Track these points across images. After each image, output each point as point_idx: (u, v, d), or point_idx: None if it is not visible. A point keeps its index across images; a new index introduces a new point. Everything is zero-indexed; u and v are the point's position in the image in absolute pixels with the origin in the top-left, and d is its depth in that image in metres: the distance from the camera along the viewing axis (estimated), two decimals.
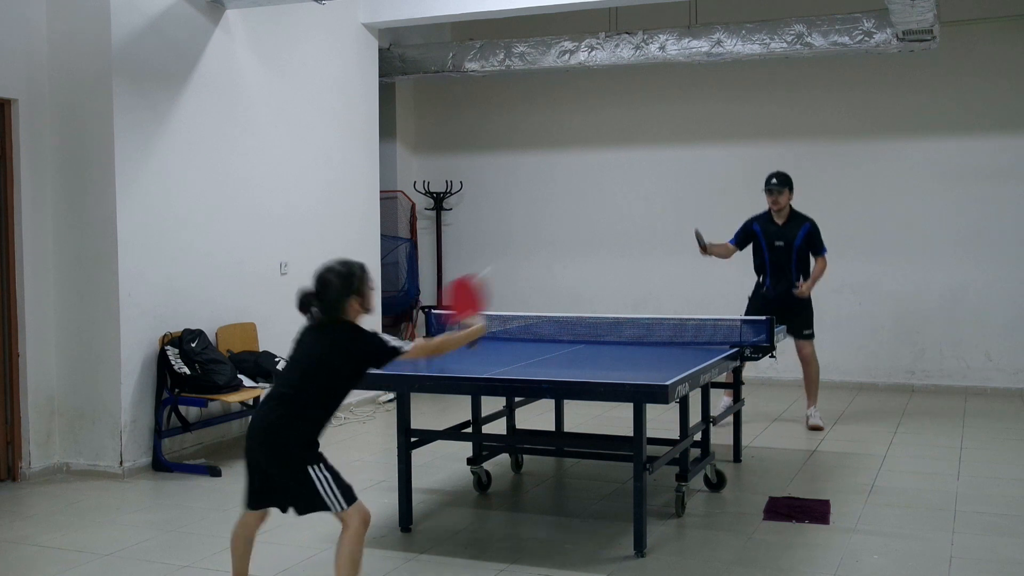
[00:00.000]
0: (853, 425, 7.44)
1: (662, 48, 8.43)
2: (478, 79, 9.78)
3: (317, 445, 3.65)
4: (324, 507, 3.58)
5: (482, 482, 5.69)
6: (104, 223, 6.11)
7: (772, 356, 5.63)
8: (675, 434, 5.22)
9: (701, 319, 5.95)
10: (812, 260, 7.31)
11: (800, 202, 9.55)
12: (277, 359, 6.80)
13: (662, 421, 5.74)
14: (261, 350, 6.87)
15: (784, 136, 9.46)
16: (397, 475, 4.98)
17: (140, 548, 4.74)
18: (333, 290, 3.60)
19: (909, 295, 9.03)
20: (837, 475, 6.00)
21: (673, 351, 5.55)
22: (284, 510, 3.71)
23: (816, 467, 6.19)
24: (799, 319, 7.24)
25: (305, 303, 3.63)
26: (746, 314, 7.15)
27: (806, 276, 7.26)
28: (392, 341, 3.67)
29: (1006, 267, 8.80)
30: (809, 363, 7.42)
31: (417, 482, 5.23)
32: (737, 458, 6.28)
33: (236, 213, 7.03)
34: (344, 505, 3.57)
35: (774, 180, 7.30)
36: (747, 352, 5.54)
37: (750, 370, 6.98)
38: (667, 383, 4.23)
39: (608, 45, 8.59)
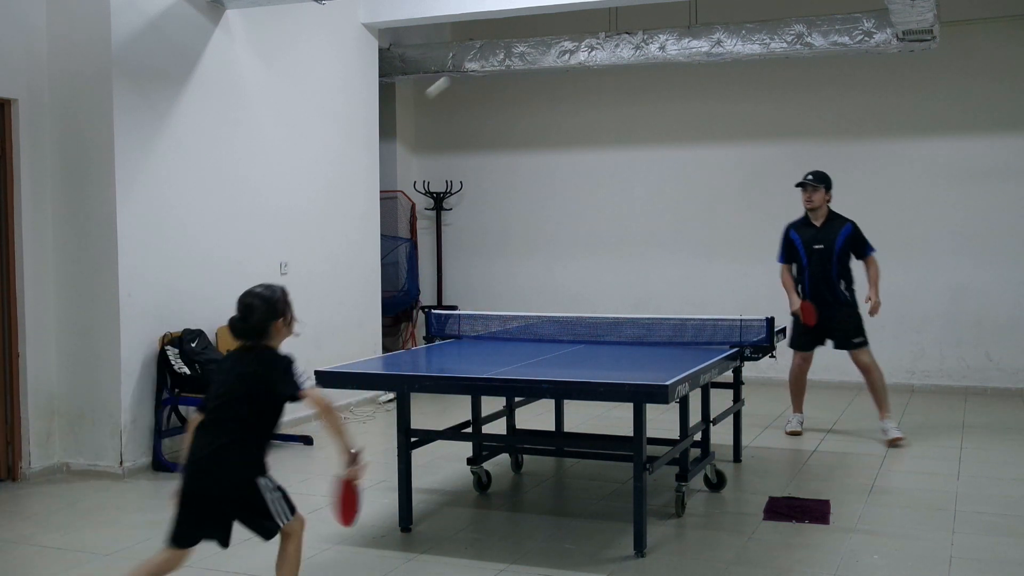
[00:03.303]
0: (853, 425, 7.43)
1: (662, 48, 8.43)
2: (478, 79, 9.78)
3: (263, 463, 3.59)
4: (275, 524, 3.54)
5: (482, 482, 5.69)
6: (104, 223, 6.11)
7: (772, 356, 5.63)
8: (675, 434, 5.22)
9: (701, 319, 5.95)
10: (862, 267, 6.89)
11: (800, 202, 9.55)
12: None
13: (662, 421, 5.74)
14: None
15: (784, 136, 9.46)
16: (397, 475, 4.98)
17: (140, 548, 4.74)
18: (258, 313, 3.59)
19: (909, 295, 9.03)
20: (837, 475, 6.00)
21: (673, 351, 5.55)
22: (223, 543, 3.56)
23: (816, 467, 6.19)
24: (845, 327, 6.84)
25: (236, 329, 3.62)
26: (793, 328, 6.95)
27: (848, 282, 6.86)
28: (300, 377, 3.56)
29: (1006, 267, 8.81)
30: (869, 371, 6.84)
31: (417, 482, 5.23)
32: (737, 458, 6.28)
33: (236, 213, 7.03)
34: (289, 517, 3.57)
35: (809, 176, 6.92)
36: (747, 352, 5.54)
37: (750, 370, 6.96)
38: (667, 383, 4.22)
39: (608, 45, 8.59)
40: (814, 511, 5.15)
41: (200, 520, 3.51)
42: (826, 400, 8.41)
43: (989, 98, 8.81)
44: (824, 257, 6.82)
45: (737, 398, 6.20)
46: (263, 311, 3.60)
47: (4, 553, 4.74)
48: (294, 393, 3.54)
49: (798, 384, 7.22)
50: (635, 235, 9.95)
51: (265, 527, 3.55)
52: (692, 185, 9.74)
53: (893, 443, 6.64)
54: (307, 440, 6.98)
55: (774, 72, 9.26)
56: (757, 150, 9.52)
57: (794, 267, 7.06)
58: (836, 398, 8.41)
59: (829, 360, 8.90)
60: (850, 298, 6.88)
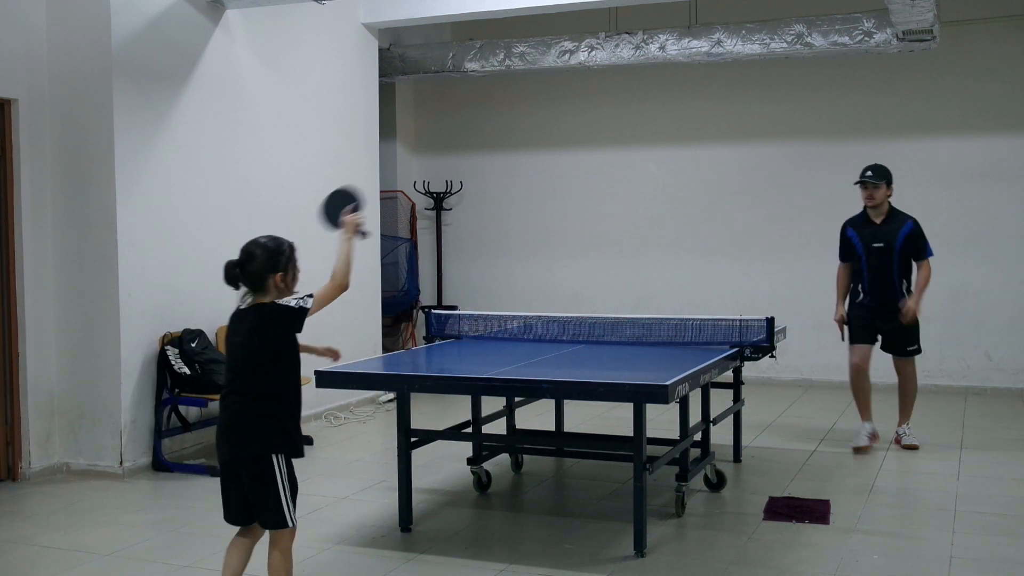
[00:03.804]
0: (853, 425, 7.42)
1: (662, 48, 8.43)
2: (478, 79, 9.78)
3: (289, 430, 3.56)
4: (282, 518, 3.49)
5: (482, 482, 5.69)
6: (104, 223, 6.11)
7: (772, 356, 5.62)
8: (675, 434, 5.23)
9: (701, 319, 5.94)
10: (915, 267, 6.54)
11: (800, 202, 9.58)
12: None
13: (662, 421, 5.74)
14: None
15: (784, 136, 9.46)
16: (397, 475, 4.97)
17: (140, 548, 4.74)
18: (257, 263, 3.54)
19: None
20: (837, 475, 6.00)
21: (673, 351, 5.55)
22: (249, 522, 3.61)
23: (816, 467, 6.19)
24: (902, 332, 6.48)
25: (230, 274, 3.55)
26: (851, 330, 6.60)
27: (909, 283, 6.49)
28: (293, 302, 3.58)
29: (1006, 267, 8.81)
30: (909, 380, 6.60)
31: (417, 482, 5.23)
32: (737, 458, 6.28)
33: (236, 213, 7.02)
34: (294, 521, 3.53)
35: (869, 173, 6.47)
36: (747, 352, 5.54)
37: (750, 370, 6.97)
38: (667, 383, 4.23)
39: (608, 45, 8.60)
40: (814, 511, 5.15)
41: (235, 498, 3.54)
42: (826, 400, 8.42)
43: (989, 98, 8.81)
44: (885, 256, 6.45)
45: (737, 398, 6.20)
46: (263, 261, 3.54)
47: (4, 553, 4.74)
48: (302, 316, 3.55)
49: (862, 386, 6.59)
50: (635, 235, 9.95)
51: (268, 515, 3.50)
52: (692, 185, 9.74)
53: (909, 447, 6.55)
54: (307, 440, 6.97)
55: (774, 72, 9.26)
56: (757, 150, 9.52)
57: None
58: (836, 398, 8.41)
59: (829, 360, 8.94)
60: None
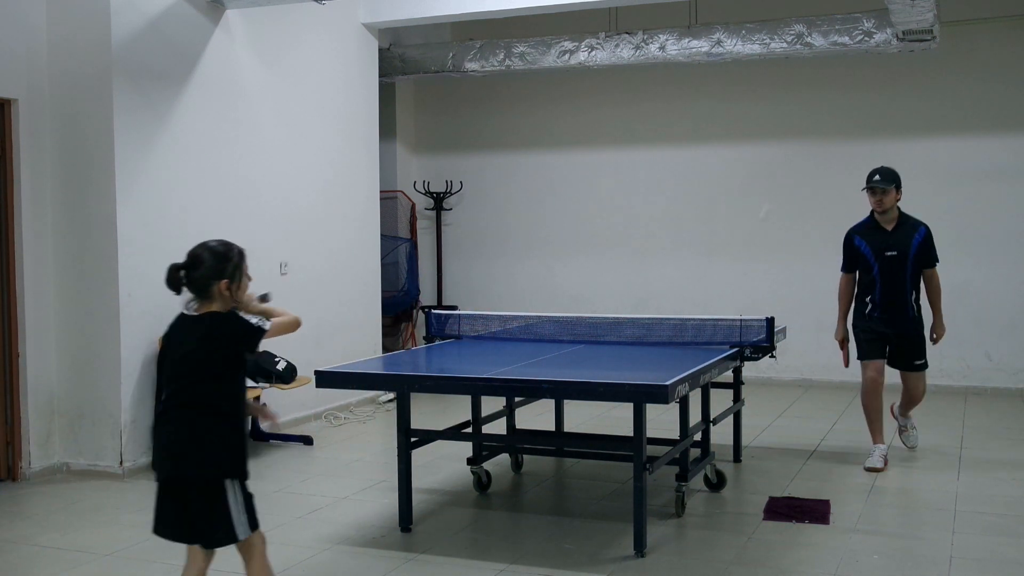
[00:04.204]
0: (853, 425, 7.43)
1: (662, 48, 8.43)
2: (478, 79, 9.78)
3: (242, 451, 3.34)
4: (231, 534, 3.30)
5: (482, 482, 5.69)
6: (104, 223, 6.11)
7: (772, 356, 5.62)
8: (675, 434, 5.22)
9: (701, 319, 5.94)
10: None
11: (800, 202, 9.58)
12: (277, 359, 6.81)
13: (662, 421, 5.74)
14: (261, 350, 6.86)
15: (784, 136, 9.46)
16: (397, 475, 4.97)
17: (140, 548, 4.74)
18: (204, 268, 3.30)
19: None
20: (837, 475, 6.00)
21: (673, 351, 5.55)
22: (194, 541, 3.42)
23: (816, 467, 6.19)
24: (910, 346, 6.19)
25: (172, 278, 3.29)
26: (860, 333, 6.20)
27: (917, 294, 6.19)
28: (254, 320, 3.39)
29: (1006, 267, 8.81)
30: (917, 392, 6.31)
31: (417, 482, 5.23)
32: (737, 458, 6.28)
33: (236, 213, 7.03)
34: (248, 531, 3.32)
35: (876, 177, 6.03)
36: (747, 352, 5.54)
37: (750, 370, 6.97)
38: (667, 383, 4.23)
39: (608, 45, 8.59)
40: (814, 511, 5.15)
41: (171, 516, 3.34)
42: (826, 400, 8.42)
43: (989, 98, 8.81)
44: (898, 265, 6.07)
45: (737, 398, 6.20)
46: (208, 267, 3.30)
47: (4, 553, 4.74)
48: (258, 337, 3.35)
49: (874, 404, 6.17)
50: (635, 235, 9.95)
51: (214, 534, 3.30)
52: (692, 185, 9.74)
53: (910, 447, 6.50)
54: (307, 440, 6.98)
55: (774, 72, 9.26)
56: (757, 150, 9.52)
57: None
58: (836, 398, 8.41)
59: (828, 360, 8.93)
60: (917, 313, 6.22)
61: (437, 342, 6.14)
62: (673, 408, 4.99)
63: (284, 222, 7.55)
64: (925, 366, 6.30)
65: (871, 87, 9.13)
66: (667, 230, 9.83)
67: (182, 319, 3.38)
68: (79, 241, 6.19)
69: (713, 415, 5.64)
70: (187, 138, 6.60)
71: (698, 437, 5.49)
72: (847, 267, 6.30)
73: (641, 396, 4.36)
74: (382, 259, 9.04)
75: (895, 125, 9.09)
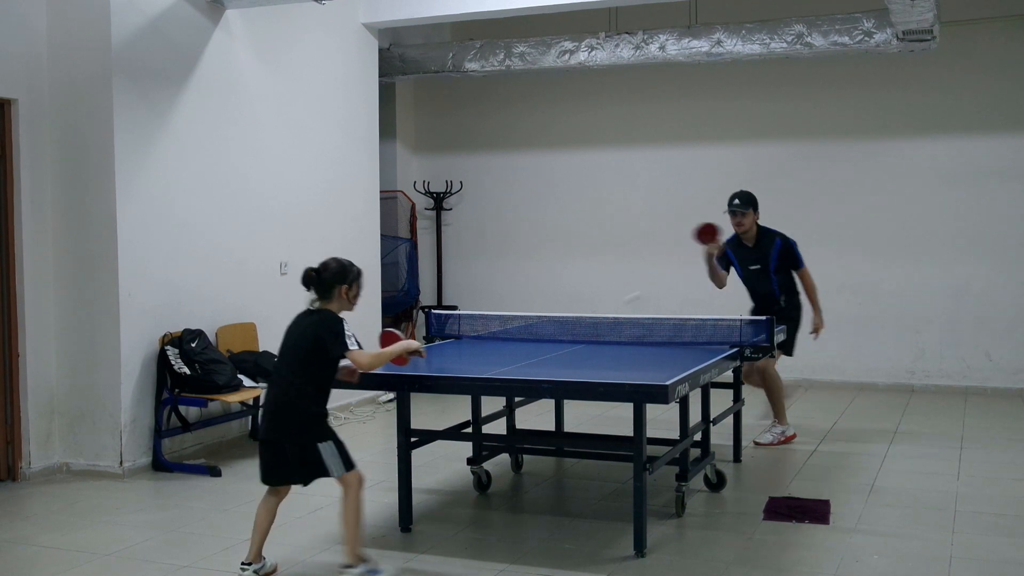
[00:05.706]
0: (853, 425, 7.44)
1: (662, 48, 8.43)
2: (478, 79, 9.78)
3: (324, 418, 4.20)
4: (325, 473, 4.14)
5: (482, 482, 5.69)
6: (104, 223, 6.11)
7: (772, 356, 5.62)
8: (675, 434, 5.22)
9: (701, 319, 5.94)
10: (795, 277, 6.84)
11: (800, 202, 9.58)
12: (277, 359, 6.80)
13: (662, 421, 5.73)
14: (261, 350, 6.86)
15: (784, 136, 9.46)
16: (397, 475, 4.98)
17: (140, 548, 4.74)
18: (329, 273, 4.18)
19: (909, 295, 9.03)
20: (837, 475, 6.00)
21: (673, 351, 5.55)
22: (295, 483, 4.26)
23: (816, 467, 6.19)
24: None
25: (307, 277, 4.17)
26: (790, 332, 6.77)
27: (789, 293, 6.83)
28: (348, 340, 4.13)
29: (1006, 267, 8.81)
30: (765, 376, 6.83)
31: (417, 482, 5.22)
32: (737, 458, 6.28)
33: (236, 213, 7.03)
34: (344, 470, 4.12)
35: (736, 201, 6.81)
36: (747, 352, 5.54)
37: None
38: (667, 383, 4.23)
39: (608, 45, 8.59)
40: (814, 511, 5.15)
41: (270, 464, 4.20)
42: (826, 400, 8.42)
43: (989, 98, 8.82)
44: (762, 274, 6.86)
45: (737, 398, 6.20)
46: (335, 272, 4.18)
47: (4, 553, 4.74)
48: (342, 353, 4.13)
49: (778, 385, 6.90)
50: (635, 235, 9.95)
51: (310, 476, 4.18)
52: (692, 185, 9.74)
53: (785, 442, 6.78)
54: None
55: (774, 72, 9.25)
56: (757, 150, 9.52)
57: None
58: (836, 398, 8.41)
59: (828, 360, 8.95)
60: (785, 306, 6.80)
61: (437, 342, 6.14)
62: (673, 408, 4.99)
63: (284, 222, 7.55)
64: (772, 352, 6.12)
65: (871, 87, 9.13)
66: (667, 230, 9.81)
67: (306, 312, 4.24)
68: (79, 241, 6.19)
69: (713, 415, 5.64)
70: (187, 138, 6.60)
71: (698, 437, 5.49)
72: (723, 265, 6.94)
73: (641, 396, 4.36)
74: (382, 259, 9.04)
75: (895, 125, 9.09)
